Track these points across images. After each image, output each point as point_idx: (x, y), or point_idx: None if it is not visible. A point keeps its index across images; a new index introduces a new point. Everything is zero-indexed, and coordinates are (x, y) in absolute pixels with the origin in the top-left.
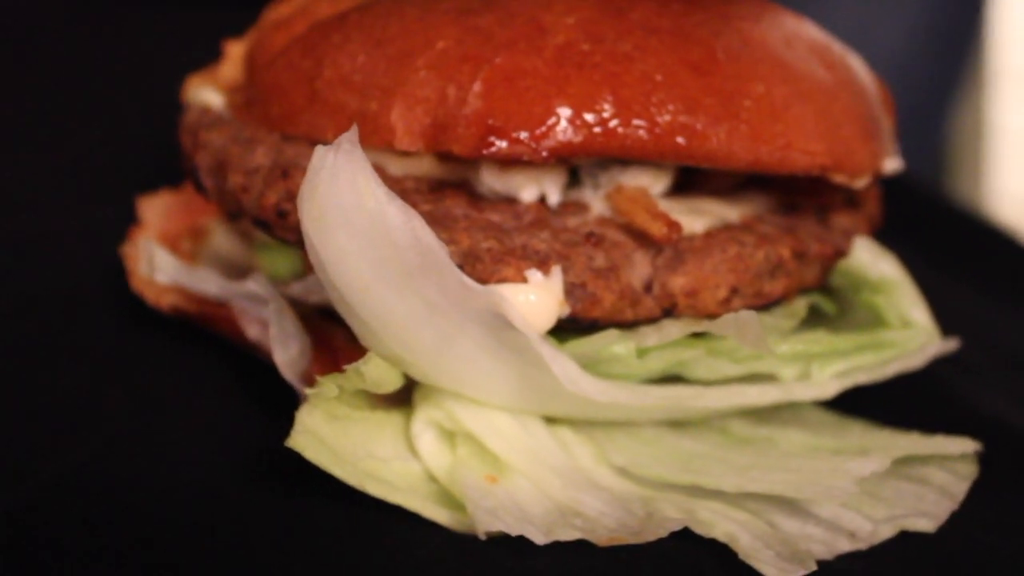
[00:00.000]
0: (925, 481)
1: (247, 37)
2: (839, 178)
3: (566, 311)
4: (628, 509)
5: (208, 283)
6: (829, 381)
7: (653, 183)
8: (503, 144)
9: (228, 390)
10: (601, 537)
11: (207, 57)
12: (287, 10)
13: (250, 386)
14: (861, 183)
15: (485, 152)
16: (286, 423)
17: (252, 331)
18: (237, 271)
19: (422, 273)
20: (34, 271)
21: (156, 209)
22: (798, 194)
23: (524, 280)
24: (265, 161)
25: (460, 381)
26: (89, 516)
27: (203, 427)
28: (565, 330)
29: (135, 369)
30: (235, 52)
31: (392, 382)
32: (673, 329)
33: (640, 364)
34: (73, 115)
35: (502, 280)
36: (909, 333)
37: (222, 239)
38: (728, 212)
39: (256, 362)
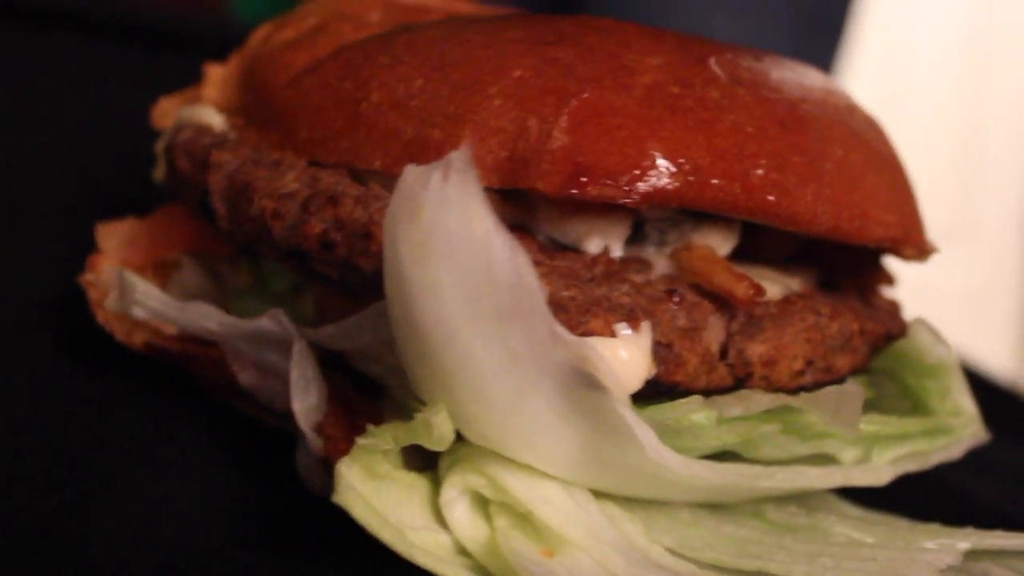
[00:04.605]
0: None
1: (236, 58)
2: (909, 253)
3: (651, 372)
4: None
5: (206, 319)
6: (885, 468)
7: (722, 244)
8: (594, 185)
9: (212, 440)
10: None
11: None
12: (292, 32)
13: (235, 436)
14: (926, 259)
15: (574, 192)
16: (278, 480)
17: (245, 377)
18: None
19: (512, 316)
20: None
21: (117, 238)
22: (838, 273)
23: (613, 334)
24: (300, 186)
25: (520, 443)
26: None
27: (187, 482)
28: (638, 395)
29: (105, 415)
30: (218, 74)
31: (450, 439)
32: (761, 400)
33: (715, 436)
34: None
35: (588, 333)
36: (961, 420)
37: (194, 277)
38: (791, 283)
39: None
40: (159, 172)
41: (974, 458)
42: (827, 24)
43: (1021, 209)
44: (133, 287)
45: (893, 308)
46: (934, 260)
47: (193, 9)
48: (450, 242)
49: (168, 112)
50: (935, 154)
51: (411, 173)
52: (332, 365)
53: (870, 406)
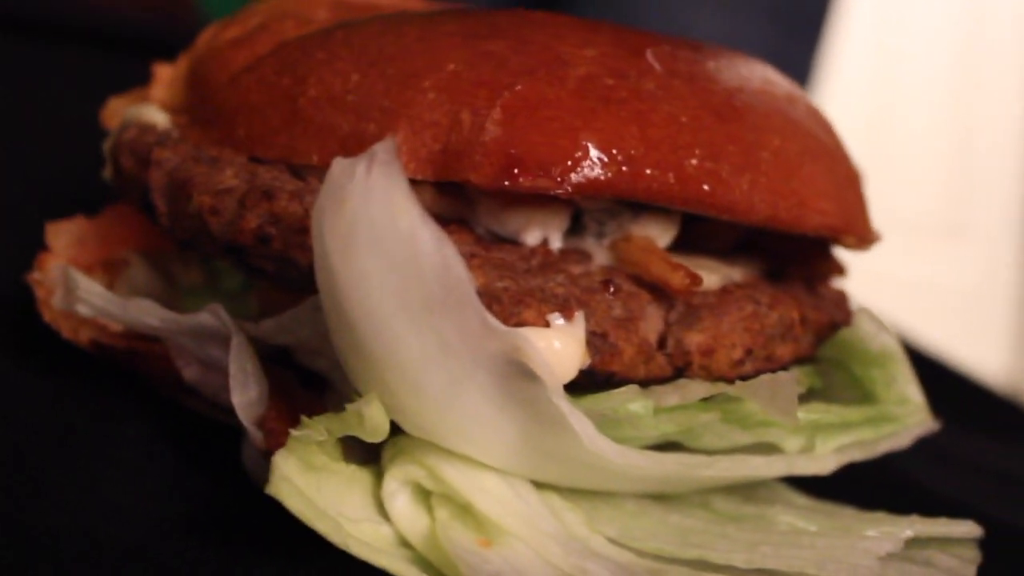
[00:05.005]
0: (930, 564)
1: (184, 58)
2: (849, 241)
3: (586, 362)
4: None
5: (148, 315)
6: (829, 456)
7: (661, 235)
8: (527, 176)
9: (159, 436)
10: None
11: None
12: (237, 31)
13: (183, 432)
14: (868, 247)
15: (506, 183)
16: (226, 474)
17: (189, 372)
18: None
19: (443, 307)
20: None
21: (66, 237)
22: (785, 263)
23: (546, 324)
24: (238, 182)
25: (457, 434)
26: None
27: (135, 478)
28: (576, 384)
29: (52, 413)
30: (166, 74)
31: (385, 430)
32: (697, 389)
33: (653, 426)
34: None
35: (521, 323)
36: (907, 409)
37: (142, 275)
38: (732, 272)
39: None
40: (108, 171)
41: (936, 449)
42: (810, 21)
43: (1016, 207)
44: (76, 284)
45: (840, 297)
46: (930, 259)
47: (164, 13)
48: (374, 233)
49: (117, 112)
50: (930, 153)
51: (338, 165)
52: (277, 360)
53: (818, 395)
